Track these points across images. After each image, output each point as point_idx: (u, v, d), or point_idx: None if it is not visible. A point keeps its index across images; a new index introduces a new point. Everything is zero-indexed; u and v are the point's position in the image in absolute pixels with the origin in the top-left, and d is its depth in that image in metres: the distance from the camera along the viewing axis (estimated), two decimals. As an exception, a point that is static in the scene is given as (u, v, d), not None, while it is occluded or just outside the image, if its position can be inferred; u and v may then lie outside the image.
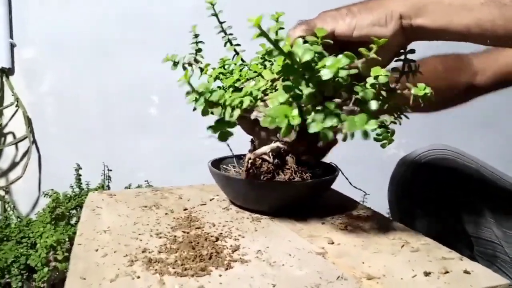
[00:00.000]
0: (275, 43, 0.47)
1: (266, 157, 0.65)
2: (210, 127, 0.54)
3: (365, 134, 0.46)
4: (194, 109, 0.54)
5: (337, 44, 0.57)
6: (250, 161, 0.64)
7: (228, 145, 0.93)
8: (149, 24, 1.51)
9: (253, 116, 0.59)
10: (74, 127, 1.53)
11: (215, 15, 0.70)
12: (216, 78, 0.69)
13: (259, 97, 0.57)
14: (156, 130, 1.57)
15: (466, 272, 0.48)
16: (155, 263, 0.48)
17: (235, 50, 0.72)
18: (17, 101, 1.46)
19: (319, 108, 0.50)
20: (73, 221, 1.39)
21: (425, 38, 0.57)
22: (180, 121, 1.54)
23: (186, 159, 1.58)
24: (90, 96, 1.53)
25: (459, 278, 0.47)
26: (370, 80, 0.54)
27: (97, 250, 0.51)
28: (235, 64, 0.69)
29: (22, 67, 1.47)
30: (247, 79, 0.65)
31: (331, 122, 0.47)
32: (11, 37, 1.44)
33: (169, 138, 1.58)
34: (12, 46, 1.44)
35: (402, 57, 0.60)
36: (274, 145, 0.63)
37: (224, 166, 0.73)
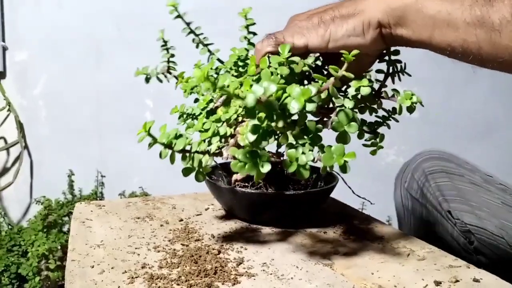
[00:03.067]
0: (229, 93, 0.42)
1: None
2: (185, 172, 0.50)
3: (344, 169, 0.44)
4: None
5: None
6: (236, 182, 0.62)
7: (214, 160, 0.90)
8: (146, 23, 1.47)
9: (224, 157, 0.55)
10: (66, 132, 1.48)
11: (180, 16, 0.66)
12: (191, 92, 0.65)
13: (228, 134, 0.54)
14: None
15: (475, 280, 0.47)
16: (158, 280, 0.45)
17: (209, 51, 0.67)
18: (9, 105, 1.41)
19: (295, 132, 0.47)
20: (65, 229, 1.35)
21: (407, 46, 0.53)
22: (175, 127, 1.52)
23: (181, 165, 1.54)
24: (84, 100, 1.49)
25: (470, 287, 0.46)
26: (351, 92, 0.51)
27: (93, 267, 0.48)
28: (212, 68, 0.64)
29: (14, 70, 1.42)
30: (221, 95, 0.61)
31: (306, 158, 0.45)
32: (3, 40, 1.39)
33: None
34: (4, 49, 1.39)
35: (386, 57, 0.57)
36: None
37: (219, 172, 0.71)
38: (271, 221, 0.62)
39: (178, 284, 0.44)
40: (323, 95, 0.48)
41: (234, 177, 0.62)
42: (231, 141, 0.54)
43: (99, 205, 0.71)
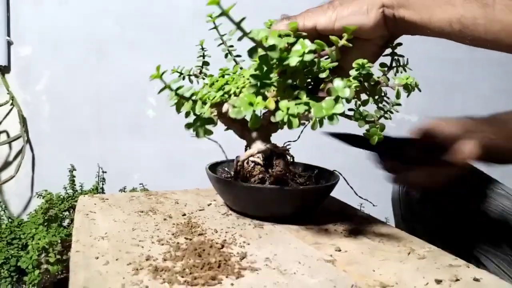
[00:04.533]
0: (237, 23, 0.45)
1: (258, 160, 0.64)
2: (187, 125, 0.52)
3: (331, 119, 0.46)
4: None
5: (324, 38, 0.57)
6: (239, 164, 0.63)
7: (219, 146, 0.91)
8: (147, 23, 1.48)
9: (224, 109, 0.59)
10: (69, 128, 1.49)
11: (216, 28, 0.70)
12: (211, 85, 0.68)
13: (232, 91, 0.57)
14: (152, 133, 1.55)
15: (475, 279, 0.48)
16: (162, 272, 0.46)
17: (234, 60, 0.72)
18: (12, 100, 1.42)
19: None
20: (65, 223, 1.35)
21: (408, 31, 0.57)
22: (177, 124, 1.53)
23: (182, 163, 1.56)
24: (86, 96, 1.50)
25: (470, 286, 0.47)
26: (352, 73, 0.54)
27: (97, 258, 0.49)
28: (234, 73, 0.68)
29: (18, 65, 1.43)
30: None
31: (297, 109, 0.47)
32: (8, 34, 1.40)
33: (166, 141, 1.55)
34: (9, 43, 1.39)
35: (390, 51, 0.60)
36: (262, 147, 0.62)
37: (223, 169, 0.71)
38: (273, 217, 0.63)
39: (182, 276, 0.45)
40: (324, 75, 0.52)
41: (237, 159, 0.63)
42: (234, 98, 0.57)
43: (102, 198, 0.71)
